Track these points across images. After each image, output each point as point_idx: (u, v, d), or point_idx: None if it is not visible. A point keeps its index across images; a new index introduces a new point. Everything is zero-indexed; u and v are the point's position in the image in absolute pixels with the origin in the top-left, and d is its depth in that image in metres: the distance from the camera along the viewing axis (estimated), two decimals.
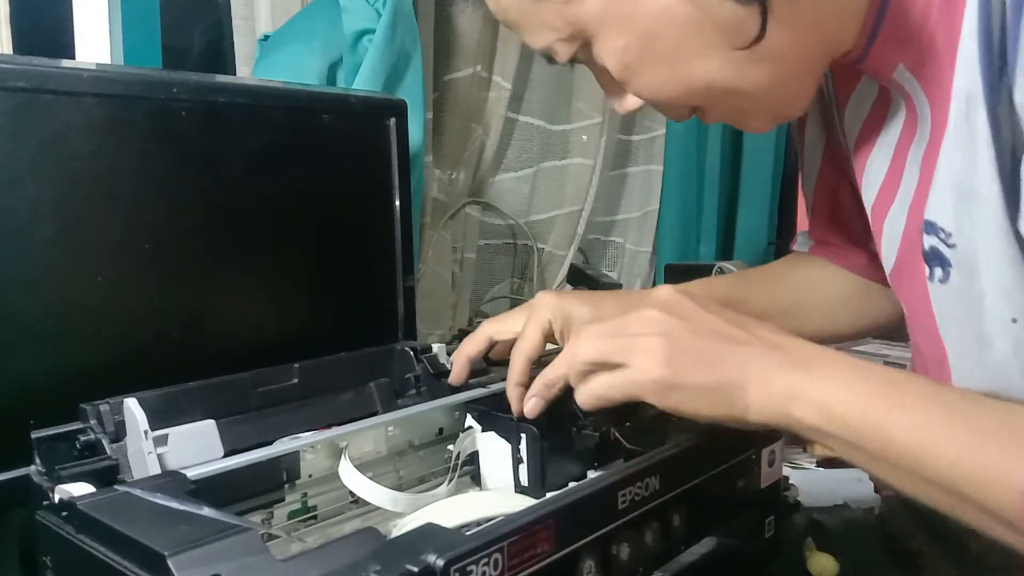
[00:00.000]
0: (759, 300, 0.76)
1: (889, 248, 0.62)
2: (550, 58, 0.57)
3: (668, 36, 0.51)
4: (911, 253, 0.57)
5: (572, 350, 0.54)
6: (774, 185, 1.91)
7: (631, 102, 0.59)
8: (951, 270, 0.52)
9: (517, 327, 0.67)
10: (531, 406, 0.59)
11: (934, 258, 0.53)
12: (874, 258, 0.72)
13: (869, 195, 0.64)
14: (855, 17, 0.54)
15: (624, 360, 0.51)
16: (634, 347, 0.51)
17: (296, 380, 0.68)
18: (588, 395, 0.53)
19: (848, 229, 0.75)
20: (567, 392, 0.57)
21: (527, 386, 0.61)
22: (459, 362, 0.70)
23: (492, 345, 0.71)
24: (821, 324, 0.79)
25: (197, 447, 0.59)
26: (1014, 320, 0.50)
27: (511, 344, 0.65)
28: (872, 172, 0.62)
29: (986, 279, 0.50)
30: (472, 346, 0.70)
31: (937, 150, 0.53)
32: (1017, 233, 0.47)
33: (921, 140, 0.56)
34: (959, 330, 0.54)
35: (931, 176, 0.53)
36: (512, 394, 0.63)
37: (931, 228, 0.52)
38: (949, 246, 0.51)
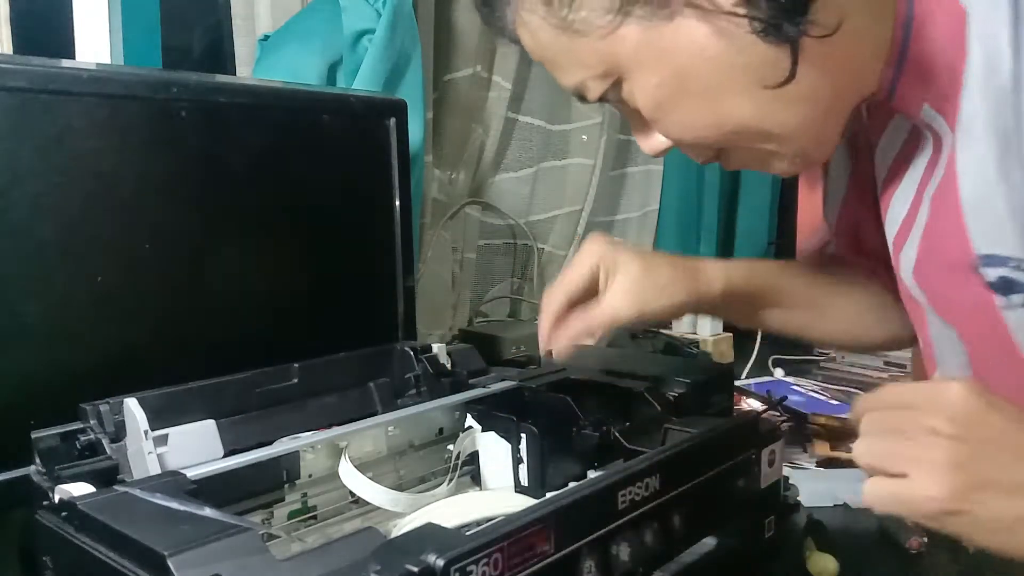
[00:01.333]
0: (798, 291, 0.76)
1: (904, 278, 0.62)
2: (581, 96, 0.57)
3: (701, 74, 0.52)
4: (955, 287, 0.56)
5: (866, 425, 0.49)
6: (774, 185, 1.91)
7: (659, 142, 0.59)
8: None
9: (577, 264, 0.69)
10: (561, 348, 0.62)
11: (1006, 286, 0.52)
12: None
13: (891, 231, 0.64)
14: (881, 57, 0.54)
15: (905, 471, 0.45)
16: (915, 462, 0.45)
17: (296, 380, 0.68)
18: (869, 498, 0.48)
19: (872, 253, 0.75)
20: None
21: (556, 325, 0.64)
22: (561, 340, 0.69)
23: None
24: (847, 327, 0.79)
25: (197, 447, 0.59)
26: None
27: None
28: (895, 209, 0.62)
29: None
30: (563, 289, 0.69)
31: (952, 183, 0.53)
32: None
33: (937, 175, 0.56)
34: None
35: (950, 210, 0.53)
36: (543, 328, 0.65)
37: (995, 260, 0.51)
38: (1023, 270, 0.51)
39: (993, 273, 0.52)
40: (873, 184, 0.67)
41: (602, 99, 0.57)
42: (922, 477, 0.44)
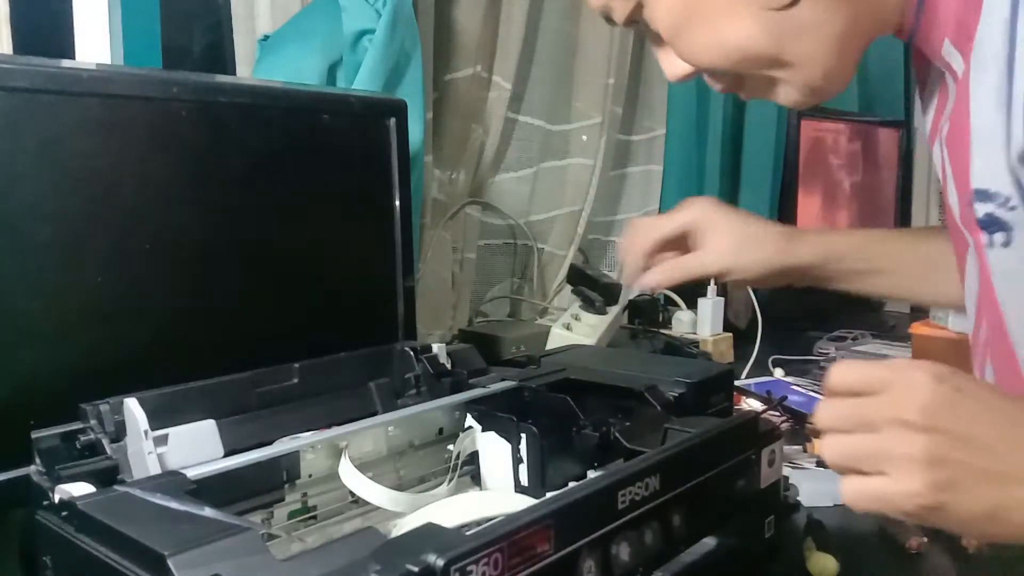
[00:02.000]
0: (901, 258, 0.77)
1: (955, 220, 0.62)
2: (608, 18, 0.60)
3: None
4: (965, 225, 0.56)
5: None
6: (774, 185, 1.90)
7: (681, 67, 0.61)
8: (1014, 232, 0.51)
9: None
10: (651, 278, 0.70)
11: (992, 224, 0.52)
12: None
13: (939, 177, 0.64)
14: None
15: (879, 470, 0.44)
16: (890, 460, 0.44)
17: (296, 380, 0.68)
18: (847, 498, 0.47)
19: None
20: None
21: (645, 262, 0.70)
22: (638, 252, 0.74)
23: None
24: (937, 292, 0.79)
25: (197, 447, 0.59)
26: None
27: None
28: (936, 158, 0.62)
29: None
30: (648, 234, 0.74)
31: (964, 117, 0.52)
32: None
33: (946, 115, 0.56)
34: (1019, 296, 0.53)
35: (961, 146, 0.53)
36: (634, 259, 0.72)
37: (984, 196, 0.51)
38: (1010, 208, 0.50)
39: (982, 209, 0.52)
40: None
41: (628, 22, 0.59)
42: (900, 475, 0.43)
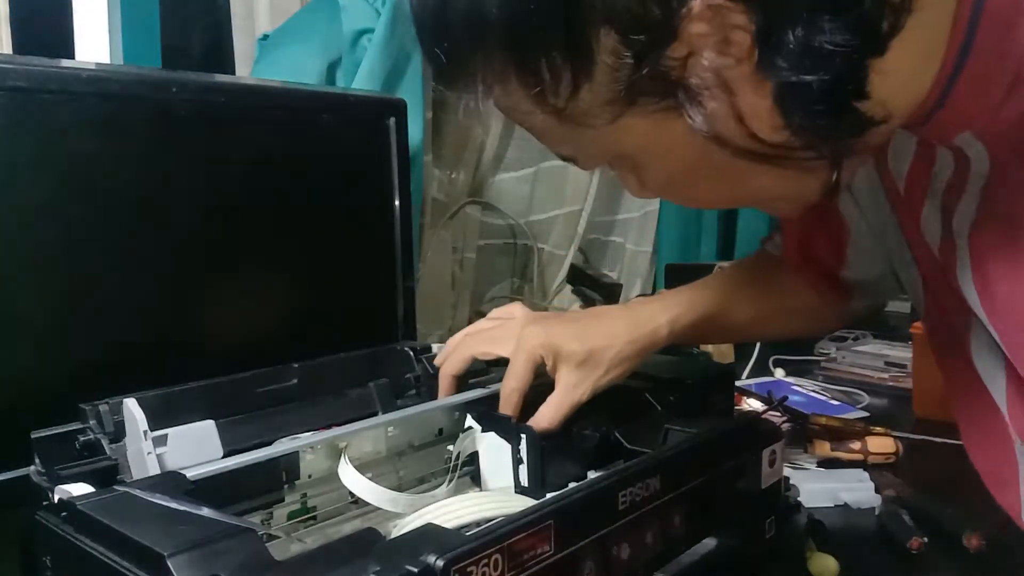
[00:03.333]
0: (744, 309, 0.76)
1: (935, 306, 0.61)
2: (573, 163, 0.53)
3: (722, 163, 0.47)
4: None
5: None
6: None
7: (651, 194, 0.55)
8: None
9: (502, 351, 0.68)
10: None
11: None
12: (836, 280, 0.75)
13: (925, 251, 0.59)
14: (918, 100, 0.47)
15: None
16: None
17: (296, 380, 0.68)
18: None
19: (816, 262, 0.76)
20: None
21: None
22: (446, 382, 0.71)
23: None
24: (780, 328, 0.82)
25: (197, 447, 0.59)
26: None
27: None
28: (929, 230, 0.57)
29: None
30: (456, 366, 0.71)
31: (995, 215, 0.48)
32: None
33: (968, 207, 0.51)
34: None
35: (1014, 240, 0.48)
36: (444, 385, 0.70)
37: None
38: None
39: None
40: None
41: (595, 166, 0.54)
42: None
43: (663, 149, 0.47)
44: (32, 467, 0.54)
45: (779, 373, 1.39)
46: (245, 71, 1.21)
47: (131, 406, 0.57)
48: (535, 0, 0.41)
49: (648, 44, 0.41)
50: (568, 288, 1.56)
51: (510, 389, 0.65)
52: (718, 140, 0.45)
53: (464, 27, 0.44)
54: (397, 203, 0.89)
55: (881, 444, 0.97)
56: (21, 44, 1.13)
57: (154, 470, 0.56)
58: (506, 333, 0.70)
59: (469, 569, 0.39)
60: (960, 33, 0.44)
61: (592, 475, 0.64)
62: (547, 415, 0.64)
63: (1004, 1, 0.43)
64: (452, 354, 0.72)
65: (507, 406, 0.65)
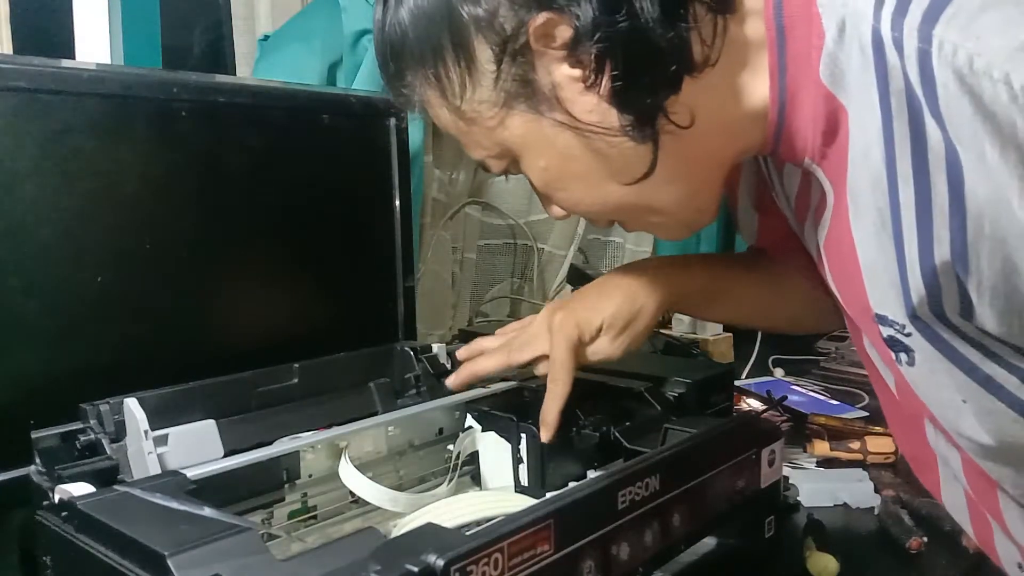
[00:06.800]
0: (744, 295, 0.77)
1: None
2: (485, 168, 0.61)
3: (579, 163, 0.55)
4: (869, 337, 0.58)
5: None
6: None
7: (558, 211, 0.62)
8: (915, 354, 0.53)
9: (539, 351, 0.68)
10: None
11: (896, 345, 0.54)
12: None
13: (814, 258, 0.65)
14: (758, 125, 0.55)
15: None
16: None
17: (296, 380, 0.68)
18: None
19: (794, 253, 0.77)
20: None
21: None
22: (467, 373, 0.70)
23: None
24: (788, 321, 0.81)
25: (197, 447, 0.59)
26: (964, 401, 0.52)
27: None
28: (811, 246, 0.63)
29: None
30: (491, 365, 0.70)
31: (849, 247, 0.53)
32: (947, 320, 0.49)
33: (823, 225, 0.57)
34: (938, 397, 0.55)
35: (848, 265, 0.54)
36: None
37: (884, 320, 0.54)
38: (906, 335, 0.53)
39: (884, 331, 0.54)
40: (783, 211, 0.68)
41: (505, 172, 0.60)
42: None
43: (538, 144, 0.55)
44: (32, 467, 0.54)
45: (779, 373, 1.39)
46: (245, 71, 1.21)
47: (132, 406, 0.57)
48: (434, 17, 0.52)
49: (507, 53, 0.51)
50: (568, 288, 1.56)
51: (556, 397, 0.65)
52: (575, 130, 0.53)
53: (395, 46, 0.55)
54: (397, 203, 0.89)
55: (880, 444, 0.97)
56: (21, 44, 1.13)
57: (155, 470, 0.56)
58: (534, 333, 0.69)
59: (469, 568, 0.40)
60: (774, 70, 0.52)
61: (592, 475, 0.64)
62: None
63: (800, 45, 0.50)
64: (484, 359, 0.70)
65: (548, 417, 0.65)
